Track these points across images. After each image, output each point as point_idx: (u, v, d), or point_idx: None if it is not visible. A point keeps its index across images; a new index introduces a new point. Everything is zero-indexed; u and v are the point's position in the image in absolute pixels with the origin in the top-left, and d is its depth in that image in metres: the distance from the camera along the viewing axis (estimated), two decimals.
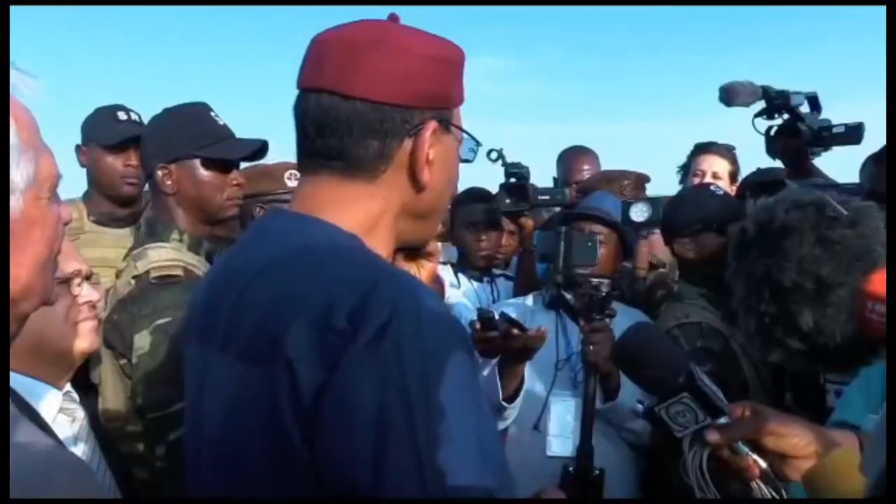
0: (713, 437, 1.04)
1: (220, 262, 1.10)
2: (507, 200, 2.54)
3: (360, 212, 0.95)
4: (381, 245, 0.97)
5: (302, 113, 0.96)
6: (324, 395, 0.78)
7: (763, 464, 1.03)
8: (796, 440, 1.01)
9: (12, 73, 0.77)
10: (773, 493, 1.02)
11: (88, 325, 1.45)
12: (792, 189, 1.02)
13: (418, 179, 0.95)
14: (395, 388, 0.77)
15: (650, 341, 1.12)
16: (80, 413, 1.44)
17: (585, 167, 3.07)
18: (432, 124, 0.94)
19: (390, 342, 0.78)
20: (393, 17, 0.99)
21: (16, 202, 0.76)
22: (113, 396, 1.70)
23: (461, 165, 1.07)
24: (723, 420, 1.05)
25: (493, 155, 2.53)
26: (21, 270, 0.78)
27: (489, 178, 2.91)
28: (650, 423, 1.11)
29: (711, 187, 2.40)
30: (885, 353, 0.97)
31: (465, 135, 1.01)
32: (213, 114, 1.82)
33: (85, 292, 1.44)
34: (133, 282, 1.69)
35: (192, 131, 1.78)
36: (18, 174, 0.76)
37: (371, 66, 0.93)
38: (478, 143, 1.05)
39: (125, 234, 2.43)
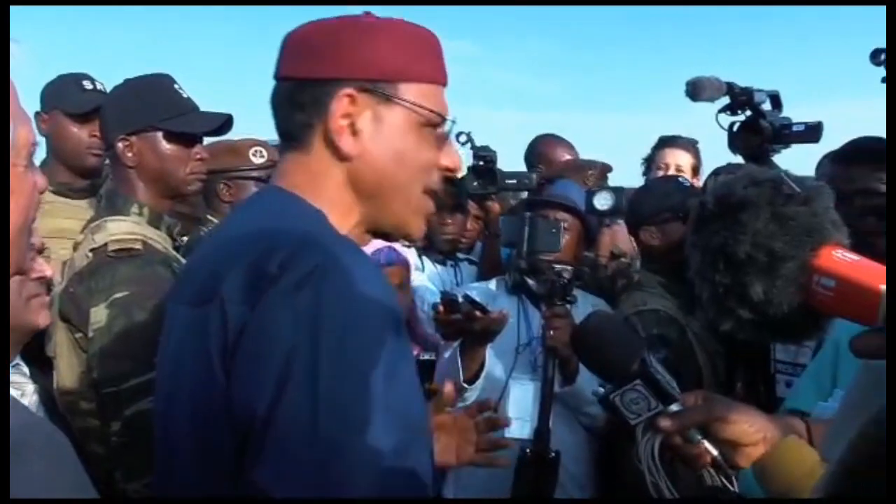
0: (665, 423, 1.07)
1: (213, 232, 1.14)
2: (475, 183, 2.56)
3: (307, 185, 0.99)
4: (339, 222, 0.99)
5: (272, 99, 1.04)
6: (242, 333, 0.83)
7: (714, 451, 1.06)
8: (745, 427, 1.04)
9: None
10: (724, 481, 1.05)
11: (41, 301, 1.41)
12: (750, 167, 1.05)
13: (337, 148, 0.97)
14: (307, 332, 0.81)
15: (606, 328, 1.14)
16: (30, 387, 1.41)
17: (566, 157, 3.10)
18: (344, 91, 0.96)
19: (310, 289, 0.82)
20: (366, 14, 1.03)
21: None
22: (68, 370, 1.67)
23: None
24: (675, 407, 1.08)
25: (462, 138, 2.55)
26: None
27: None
28: (605, 410, 1.14)
29: (679, 178, 2.45)
30: (828, 326, 1.02)
31: (421, 109, 1.00)
32: (176, 86, 1.78)
33: (38, 267, 1.40)
34: (90, 254, 1.66)
35: (155, 103, 1.74)
36: None
37: (296, 47, 1.01)
38: (442, 118, 1.03)
39: (84, 205, 2.35)
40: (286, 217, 0.95)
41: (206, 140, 1.89)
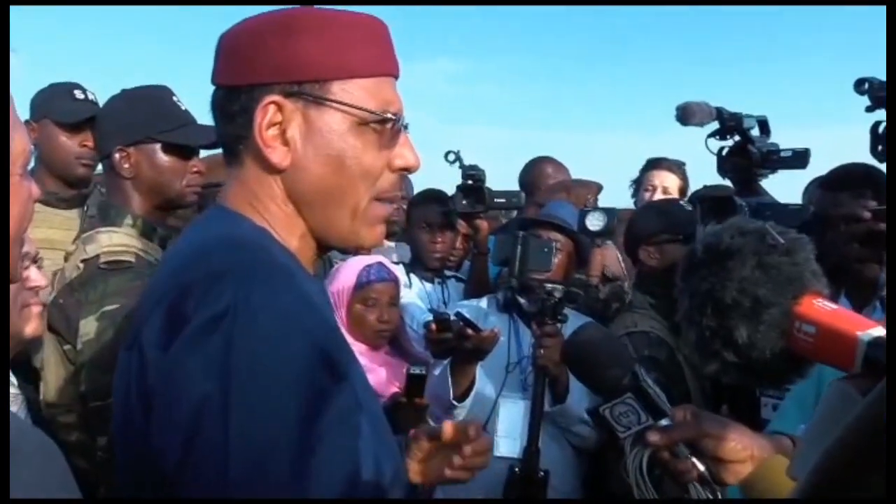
0: (654, 438, 1.08)
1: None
2: (464, 202, 2.56)
3: (242, 200, 0.94)
4: (286, 237, 0.94)
5: None
6: (157, 374, 0.80)
7: (701, 467, 1.07)
8: (734, 444, 1.06)
9: None
10: (710, 496, 1.06)
11: (35, 310, 1.41)
12: (737, 218, 1.13)
13: (266, 160, 0.91)
14: (217, 379, 0.76)
15: (597, 340, 1.16)
16: (18, 398, 1.40)
17: (559, 177, 3.12)
18: (268, 99, 0.89)
19: (220, 334, 0.77)
20: (303, 8, 0.96)
21: None
22: (55, 383, 1.65)
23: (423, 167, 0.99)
24: (664, 422, 1.09)
25: (451, 157, 2.56)
26: None
27: (446, 179, 2.94)
28: (594, 423, 1.15)
29: (681, 201, 2.48)
30: (808, 371, 1.06)
31: (354, 109, 0.91)
32: (175, 98, 1.79)
33: (33, 276, 1.41)
34: (82, 265, 1.65)
35: (153, 114, 1.74)
36: None
37: (224, 50, 0.94)
38: (385, 119, 0.92)
39: (71, 215, 2.34)
40: (212, 246, 0.89)
41: (203, 153, 1.89)
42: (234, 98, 0.92)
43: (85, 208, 2.36)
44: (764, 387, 1.10)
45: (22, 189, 0.80)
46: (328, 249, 1.03)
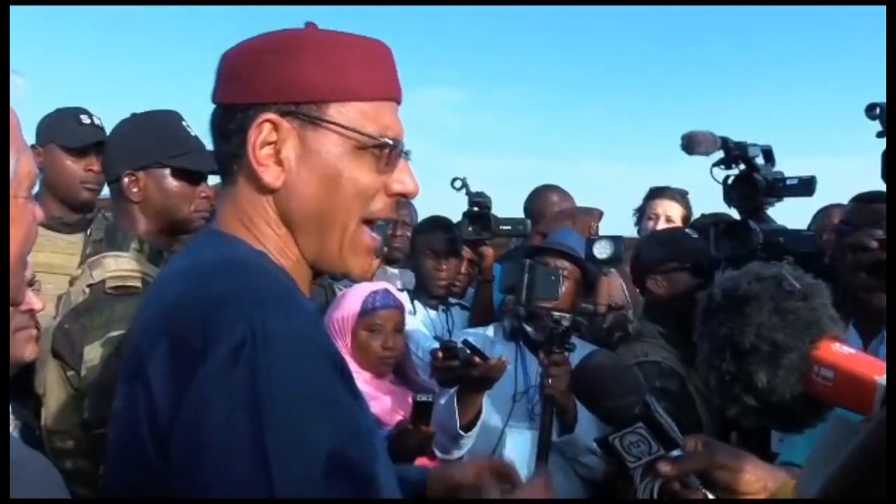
0: (665, 468, 1.06)
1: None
2: (469, 228, 2.58)
3: (243, 224, 0.92)
4: (280, 257, 0.92)
5: None
6: (178, 413, 0.77)
7: (712, 497, 1.05)
8: (748, 476, 1.04)
9: None
10: None
11: (27, 334, 1.41)
12: (755, 264, 1.17)
13: (259, 180, 0.90)
14: (246, 409, 0.75)
15: (608, 367, 1.14)
16: (12, 423, 1.39)
17: (564, 205, 3.12)
18: (263, 117, 0.88)
19: (244, 366, 0.76)
20: (310, 26, 0.95)
21: None
22: (57, 408, 1.64)
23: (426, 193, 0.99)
24: (676, 452, 1.07)
25: (458, 183, 2.57)
26: None
27: (451, 207, 2.95)
28: (603, 452, 1.13)
29: (687, 230, 2.48)
30: (827, 415, 1.06)
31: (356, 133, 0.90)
32: (184, 122, 1.80)
33: (28, 299, 1.40)
34: (87, 290, 1.65)
35: (163, 139, 1.75)
36: None
37: (225, 69, 0.93)
38: (382, 143, 0.91)
39: (74, 240, 2.34)
40: (210, 270, 0.87)
41: (212, 179, 1.90)
42: (231, 117, 0.91)
43: (88, 233, 2.37)
44: (783, 430, 1.12)
45: (26, 212, 0.81)
46: (320, 274, 1.01)
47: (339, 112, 0.90)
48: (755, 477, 1.05)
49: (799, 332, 1.03)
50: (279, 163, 0.90)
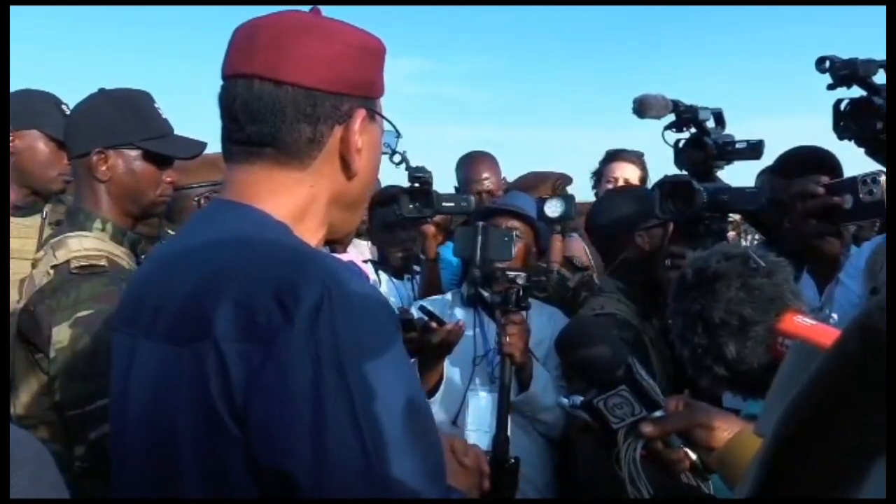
0: (648, 429, 1.12)
1: (157, 251, 1.12)
2: (411, 206, 2.42)
3: (290, 200, 0.96)
4: (310, 235, 0.98)
5: (230, 100, 0.95)
6: (257, 376, 0.79)
7: (693, 456, 1.12)
8: (726, 434, 1.11)
9: None
10: (702, 485, 1.12)
11: None
12: (722, 244, 1.29)
13: (350, 167, 0.98)
14: (332, 367, 0.80)
15: (593, 333, 1.20)
16: None
17: (485, 175, 3.05)
18: (362, 112, 0.97)
19: (325, 325, 0.80)
20: (315, 11, 1.01)
21: None
22: (26, 393, 1.60)
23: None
24: (658, 413, 1.14)
25: (397, 158, 2.39)
26: None
27: (391, 180, 2.87)
28: (588, 414, 1.18)
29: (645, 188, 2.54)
30: None
31: (387, 125, 1.05)
32: (156, 104, 1.74)
33: None
34: (52, 272, 1.60)
35: (137, 120, 1.69)
36: None
37: (302, 51, 0.94)
38: (399, 134, 1.11)
39: (28, 223, 2.27)
40: (259, 239, 0.91)
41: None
42: (315, 100, 0.94)
43: (44, 214, 2.29)
44: (753, 397, 1.21)
45: None
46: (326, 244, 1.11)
47: (378, 106, 1.03)
48: (729, 432, 1.12)
49: (764, 306, 1.13)
50: (358, 151, 0.98)
